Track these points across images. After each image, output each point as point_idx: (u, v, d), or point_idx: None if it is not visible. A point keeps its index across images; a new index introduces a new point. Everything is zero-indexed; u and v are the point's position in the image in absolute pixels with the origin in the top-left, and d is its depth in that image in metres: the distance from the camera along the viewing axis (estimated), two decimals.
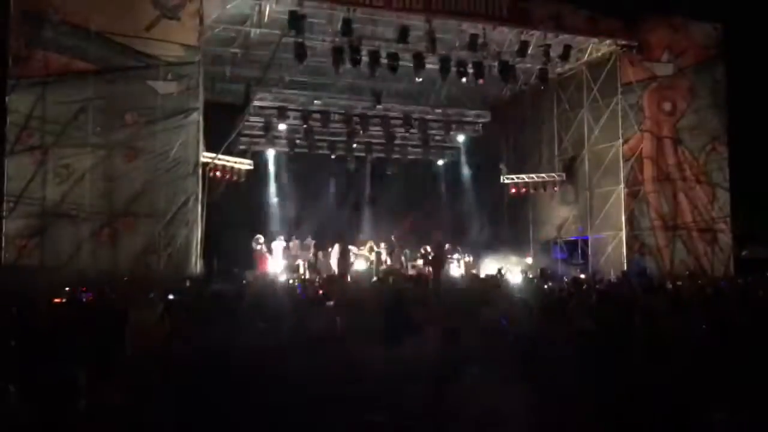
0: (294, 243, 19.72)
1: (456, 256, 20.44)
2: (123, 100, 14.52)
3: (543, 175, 21.64)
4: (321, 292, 9.68)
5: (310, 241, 19.95)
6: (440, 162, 23.99)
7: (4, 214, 13.47)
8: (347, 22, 16.67)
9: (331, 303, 6.52)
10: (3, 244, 13.38)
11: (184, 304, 6.94)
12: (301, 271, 19.04)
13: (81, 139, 14.17)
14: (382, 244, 20.37)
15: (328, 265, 19.29)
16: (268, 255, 18.96)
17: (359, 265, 19.30)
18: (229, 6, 16.04)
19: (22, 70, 13.79)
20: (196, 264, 14.89)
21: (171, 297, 7.34)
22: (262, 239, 18.89)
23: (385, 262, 20.09)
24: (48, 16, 13.94)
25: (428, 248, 19.38)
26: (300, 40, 16.53)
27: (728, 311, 6.44)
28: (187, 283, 12.56)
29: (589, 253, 20.35)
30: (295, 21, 16.01)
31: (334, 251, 19.11)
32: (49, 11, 13.96)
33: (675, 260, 19.13)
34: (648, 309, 5.77)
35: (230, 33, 17.30)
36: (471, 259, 20.61)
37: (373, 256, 19.84)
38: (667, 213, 19.37)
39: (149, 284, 11.36)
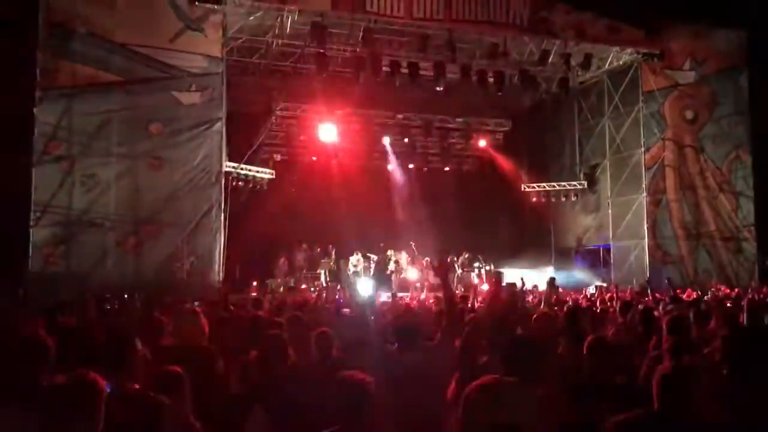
0: (313, 249, 19.89)
1: (476, 264, 20.46)
2: (147, 110, 14.77)
3: (564, 183, 21.60)
4: None
5: (331, 249, 20.08)
6: (461, 170, 24.01)
7: (32, 223, 13.73)
8: (368, 32, 16.83)
9: None
10: (30, 252, 13.62)
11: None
12: (322, 279, 19.16)
13: (106, 149, 14.42)
14: (403, 252, 20.45)
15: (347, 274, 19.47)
16: None
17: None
18: (251, 18, 16.24)
19: (50, 82, 14.08)
20: (219, 272, 15.05)
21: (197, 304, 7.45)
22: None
23: (406, 270, 20.17)
24: (75, 29, 14.22)
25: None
26: (321, 50, 16.71)
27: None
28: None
29: (611, 261, 20.24)
30: (317, 32, 16.18)
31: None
32: (77, 24, 14.24)
33: (698, 269, 18.98)
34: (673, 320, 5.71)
35: (253, 44, 17.51)
36: (492, 267, 20.57)
37: (392, 265, 19.96)
38: (690, 222, 19.23)
39: (174, 292, 11.54)
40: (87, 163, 14.26)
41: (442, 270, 5.59)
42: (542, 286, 16.01)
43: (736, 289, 11.66)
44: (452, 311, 5.17)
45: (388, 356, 4.82)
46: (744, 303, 7.50)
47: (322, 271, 19.46)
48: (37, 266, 13.61)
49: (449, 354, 4.55)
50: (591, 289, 16.44)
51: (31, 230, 13.72)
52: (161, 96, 14.81)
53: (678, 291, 9.92)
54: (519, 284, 13.47)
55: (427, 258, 19.79)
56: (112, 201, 14.37)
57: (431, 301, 11.83)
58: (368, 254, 19.82)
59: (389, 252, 20.39)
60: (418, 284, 18.81)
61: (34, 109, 13.86)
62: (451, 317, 5.08)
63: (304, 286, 17.67)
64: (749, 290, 9.89)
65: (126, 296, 9.90)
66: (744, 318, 6.44)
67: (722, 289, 11.64)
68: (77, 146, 14.21)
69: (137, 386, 3.27)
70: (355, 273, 19.31)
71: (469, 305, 8.53)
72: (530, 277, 18.25)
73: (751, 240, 19.17)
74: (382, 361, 4.61)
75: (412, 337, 4.82)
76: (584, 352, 4.69)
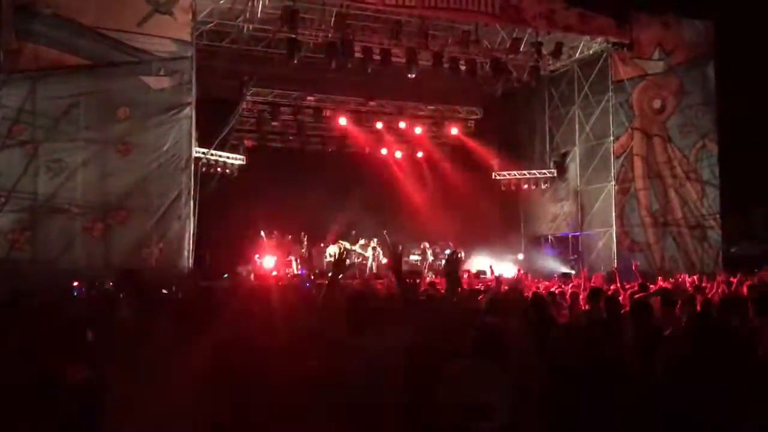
0: (286, 238, 19.78)
1: (447, 251, 20.58)
2: (115, 95, 14.48)
3: (534, 171, 21.77)
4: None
5: (303, 237, 20.03)
6: (433, 158, 24.04)
7: None
8: (340, 18, 16.74)
9: None
10: None
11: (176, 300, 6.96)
12: (293, 266, 19.14)
13: (73, 134, 14.13)
14: (375, 239, 20.48)
15: (321, 262, 19.42)
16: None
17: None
18: (222, 2, 16.03)
19: (13, 64, 13.72)
20: (188, 259, 14.92)
21: (164, 291, 7.38)
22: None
23: (379, 257, 20.22)
24: (40, 9, 13.89)
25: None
26: (293, 35, 16.58)
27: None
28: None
29: (580, 249, 20.49)
30: (288, 16, 16.05)
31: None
32: (41, 4, 13.91)
33: (665, 257, 19.29)
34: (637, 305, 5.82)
35: (223, 28, 17.30)
36: (462, 254, 20.69)
37: (368, 252, 20.01)
38: (657, 210, 19.51)
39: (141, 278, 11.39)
40: (52, 148, 13.95)
41: (394, 261, 5.55)
42: (509, 274, 16.27)
43: (702, 277, 11.87)
44: (405, 292, 5.07)
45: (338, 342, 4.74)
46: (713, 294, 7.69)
47: (292, 259, 19.42)
48: (2, 253, 13.35)
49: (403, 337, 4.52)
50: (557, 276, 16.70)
51: None
52: (129, 80, 14.55)
53: (646, 279, 10.06)
54: (488, 272, 13.57)
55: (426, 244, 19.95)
56: (79, 186, 14.10)
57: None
58: (341, 242, 19.80)
59: (361, 241, 20.44)
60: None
61: None
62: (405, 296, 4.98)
63: (275, 273, 17.64)
64: (716, 281, 10.07)
65: (96, 283, 9.78)
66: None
67: (685, 278, 11.85)
68: (42, 130, 13.88)
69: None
70: (329, 263, 19.30)
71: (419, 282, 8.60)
72: (500, 265, 18.57)
73: (716, 228, 19.52)
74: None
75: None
76: (550, 337, 4.77)
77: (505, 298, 7.35)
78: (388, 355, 4.11)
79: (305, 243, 20.05)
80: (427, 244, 20.63)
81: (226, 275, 15.94)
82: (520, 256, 21.65)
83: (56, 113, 13.98)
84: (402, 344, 4.21)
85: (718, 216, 19.54)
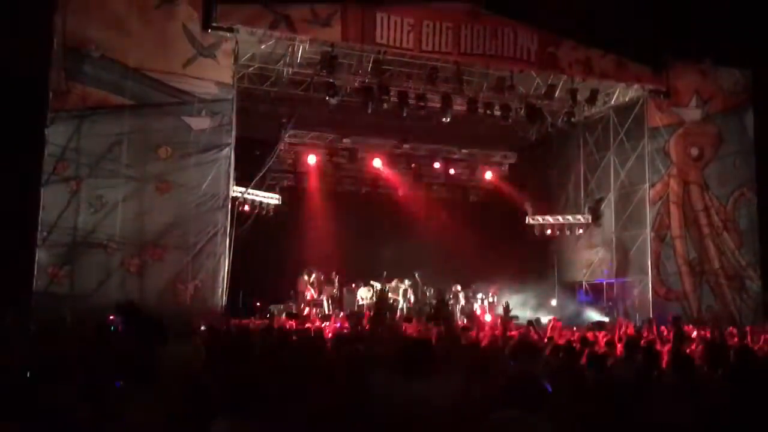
0: (316, 276, 19.84)
1: (480, 295, 20.43)
2: (157, 134, 14.86)
3: (569, 217, 21.62)
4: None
5: (334, 276, 20.05)
6: (467, 201, 24.03)
7: (38, 242, 13.77)
8: (377, 64, 17.06)
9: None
10: (36, 272, 13.64)
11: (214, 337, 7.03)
12: (324, 306, 19.13)
13: (114, 171, 14.48)
14: (406, 281, 20.41)
15: (353, 303, 19.42)
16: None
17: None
18: (263, 46, 16.47)
19: (61, 104, 14.17)
20: (222, 297, 15.04)
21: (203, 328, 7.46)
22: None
23: (410, 299, 20.12)
24: (89, 51, 14.37)
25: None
26: (331, 79, 16.94)
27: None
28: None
29: (615, 296, 20.19)
30: (327, 62, 16.42)
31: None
32: (90, 46, 14.41)
33: (702, 306, 18.91)
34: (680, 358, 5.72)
35: (264, 72, 17.71)
36: (494, 299, 20.54)
37: (399, 294, 19.93)
38: (694, 258, 19.21)
39: (176, 315, 11.52)
40: (94, 185, 14.31)
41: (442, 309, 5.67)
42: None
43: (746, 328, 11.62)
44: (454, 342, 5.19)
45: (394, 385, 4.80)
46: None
47: (324, 299, 19.42)
48: (41, 286, 13.62)
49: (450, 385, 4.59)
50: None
51: (36, 249, 13.77)
52: (171, 120, 14.93)
53: (684, 327, 9.91)
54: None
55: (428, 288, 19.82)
56: (118, 223, 14.38)
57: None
58: (372, 283, 19.77)
59: (393, 282, 20.38)
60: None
61: (46, 131, 13.99)
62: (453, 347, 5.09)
63: (306, 312, 17.67)
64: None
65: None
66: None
67: (732, 330, 11.59)
68: (85, 167, 14.26)
69: None
70: (361, 305, 19.27)
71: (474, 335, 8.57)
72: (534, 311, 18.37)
73: (756, 279, 19.10)
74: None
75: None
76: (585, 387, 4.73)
77: (530, 344, 7.27)
78: (439, 400, 4.19)
79: (336, 283, 20.06)
80: (458, 287, 20.49)
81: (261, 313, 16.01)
82: (554, 302, 21.37)
83: (99, 151, 14.37)
84: (450, 391, 4.29)
85: (757, 266, 19.14)
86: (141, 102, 14.73)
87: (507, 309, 11.57)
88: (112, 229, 14.34)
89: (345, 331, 12.35)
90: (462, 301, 20.39)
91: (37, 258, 13.71)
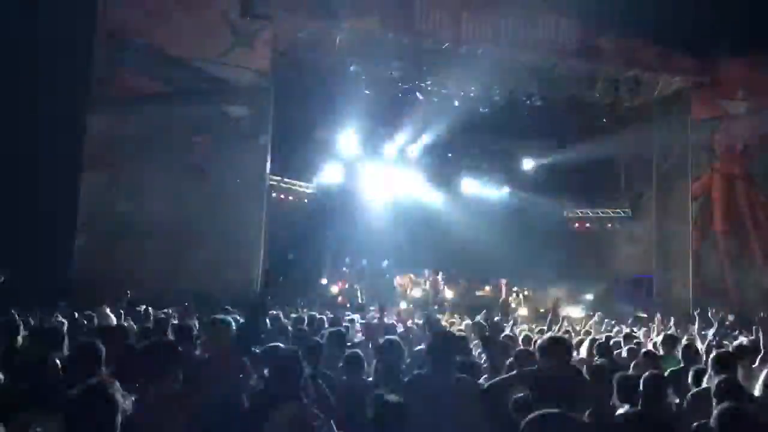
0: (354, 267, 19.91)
1: (515, 289, 20.23)
2: (195, 122, 14.98)
3: (608, 211, 21.28)
4: None
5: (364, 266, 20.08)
6: (505, 192, 23.75)
7: (78, 228, 13.97)
8: (416, 54, 16.91)
9: None
10: (76, 258, 13.84)
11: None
12: (358, 295, 19.13)
13: (153, 159, 14.61)
14: (441, 273, 20.33)
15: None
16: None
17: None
18: (300, 34, 16.41)
19: (103, 91, 14.39)
20: (257, 285, 15.10)
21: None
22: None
23: (443, 290, 20.05)
24: (130, 39, 14.55)
25: None
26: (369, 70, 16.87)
27: None
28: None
29: (654, 291, 19.80)
30: (366, 49, 16.32)
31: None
32: (132, 34, 14.57)
33: (744, 302, 18.43)
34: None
35: (302, 60, 17.65)
36: (530, 293, 20.32)
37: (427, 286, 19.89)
38: (736, 255, 18.73)
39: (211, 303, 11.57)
40: (133, 172, 14.48)
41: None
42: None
43: None
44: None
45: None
46: None
47: (357, 288, 19.44)
48: (81, 272, 13.80)
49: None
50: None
51: (75, 235, 13.97)
52: (210, 108, 15.03)
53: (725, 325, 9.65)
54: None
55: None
56: (156, 209, 14.51)
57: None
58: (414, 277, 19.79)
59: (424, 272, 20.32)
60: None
61: (86, 117, 14.17)
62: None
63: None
64: None
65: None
66: None
67: None
68: (124, 155, 14.45)
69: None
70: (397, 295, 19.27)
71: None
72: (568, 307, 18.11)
73: None
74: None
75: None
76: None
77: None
78: (467, 388, 4.50)
79: (368, 274, 20.05)
80: (504, 281, 20.27)
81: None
82: (590, 297, 21.03)
83: (138, 138, 14.51)
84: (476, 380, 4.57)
85: None
86: (180, 90, 14.84)
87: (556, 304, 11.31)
88: (150, 216, 14.44)
89: None
90: (503, 295, 20.11)
91: (76, 244, 13.90)
